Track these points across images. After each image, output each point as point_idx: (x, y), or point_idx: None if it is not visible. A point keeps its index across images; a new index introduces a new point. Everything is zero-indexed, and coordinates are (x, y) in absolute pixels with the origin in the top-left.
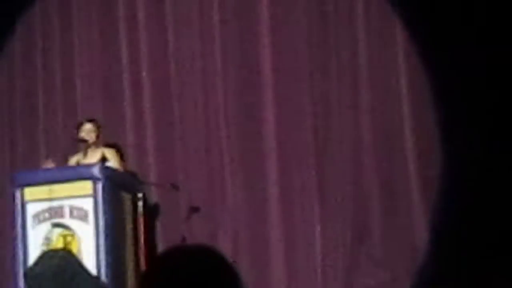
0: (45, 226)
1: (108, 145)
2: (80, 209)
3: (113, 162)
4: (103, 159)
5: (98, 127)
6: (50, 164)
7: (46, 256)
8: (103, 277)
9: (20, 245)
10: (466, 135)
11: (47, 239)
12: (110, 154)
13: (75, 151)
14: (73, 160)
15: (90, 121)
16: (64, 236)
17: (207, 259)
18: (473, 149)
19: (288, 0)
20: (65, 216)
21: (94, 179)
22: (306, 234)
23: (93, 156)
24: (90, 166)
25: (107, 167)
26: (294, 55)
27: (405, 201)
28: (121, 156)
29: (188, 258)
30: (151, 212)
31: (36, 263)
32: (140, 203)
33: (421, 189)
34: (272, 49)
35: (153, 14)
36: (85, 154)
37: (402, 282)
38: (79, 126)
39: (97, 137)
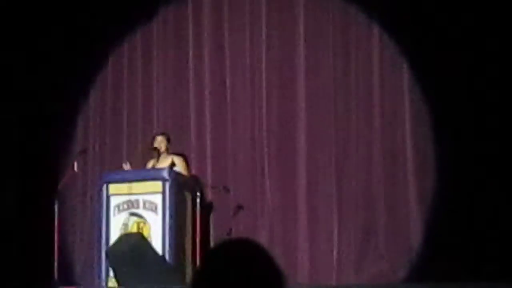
0: (124, 215)
1: (177, 154)
2: (151, 202)
3: (180, 167)
4: (172, 165)
5: (168, 139)
6: (127, 167)
7: (124, 238)
8: (167, 257)
9: (104, 229)
10: (458, 153)
11: (125, 225)
12: (178, 160)
13: (150, 158)
14: (149, 164)
15: (161, 134)
16: (138, 223)
17: (251, 251)
18: (464, 166)
19: (319, 42)
20: (140, 208)
21: (163, 180)
22: (327, 231)
23: (164, 162)
24: (160, 169)
25: (174, 171)
26: (323, 89)
27: (404, 208)
28: (187, 163)
29: (234, 252)
30: (207, 208)
31: (116, 243)
32: (198, 201)
33: (418, 197)
34: (306, 84)
35: (214, 54)
36: (158, 160)
37: (399, 272)
38: (153, 138)
39: (167, 146)
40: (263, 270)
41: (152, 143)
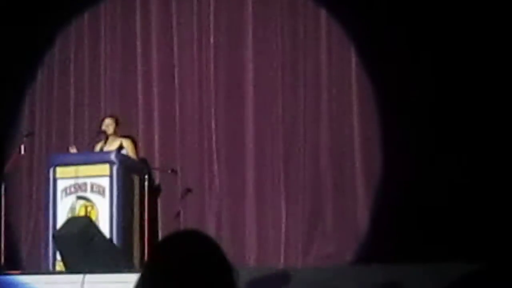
0: (71, 198)
1: (125, 136)
2: (99, 185)
3: (128, 150)
4: (120, 148)
5: (116, 122)
6: (74, 150)
7: (71, 221)
8: (115, 240)
9: (51, 213)
10: (404, 137)
11: (72, 209)
12: (126, 143)
13: (96, 140)
14: (97, 147)
15: (109, 116)
16: (86, 207)
17: (200, 244)
18: (407, 151)
19: (267, 27)
20: (87, 191)
21: (110, 163)
22: (274, 215)
23: (113, 145)
24: (108, 153)
25: (122, 154)
26: (271, 73)
27: (352, 192)
28: (135, 146)
29: (183, 245)
30: (155, 191)
31: (63, 227)
32: (146, 184)
33: (365, 182)
34: (254, 68)
35: (162, 36)
36: (106, 143)
37: (346, 254)
38: (101, 120)
39: (115, 129)
40: (212, 264)
41: (100, 126)
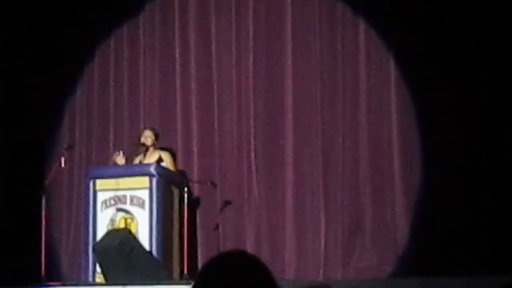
0: (111, 211)
1: (164, 149)
2: (139, 198)
3: (167, 163)
4: (159, 160)
5: (156, 134)
6: (120, 157)
7: (111, 233)
8: (154, 252)
9: (91, 225)
10: (444, 148)
11: (112, 221)
12: (165, 156)
13: (135, 152)
14: (136, 160)
15: (149, 129)
16: (125, 219)
17: (247, 265)
18: (450, 161)
19: (306, 37)
20: (127, 203)
21: (150, 176)
22: (313, 227)
23: (152, 157)
24: (148, 165)
25: (161, 167)
26: (310, 84)
27: (391, 204)
28: (174, 158)
29: (229, 266)
30: (194, 203)
31: (103, 239)
32: (185, 196)
33: (405, 193)
34: (293, 79)
35: (200, 49)
36: (145, 156)
37: (386, 267)
38: (140, 133)
39: (154, 142)
40: (260, 285)
41: (139, 139)
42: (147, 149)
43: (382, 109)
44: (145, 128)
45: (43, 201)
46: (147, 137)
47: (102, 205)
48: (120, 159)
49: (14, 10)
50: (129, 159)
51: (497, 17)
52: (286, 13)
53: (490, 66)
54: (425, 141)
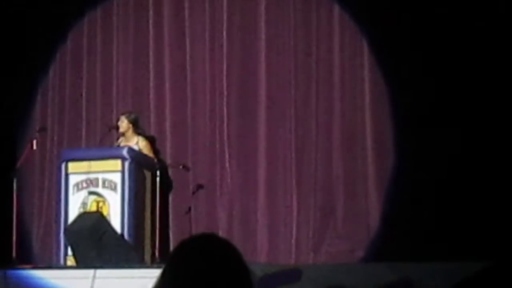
0: (83, 193)
1: (141, 135)
2: (110, 181)
3: (145, 149)
4: (135, 144)
5: (134, 119)
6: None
7: (83, 216)
8: (126, 235)
9: (62, 208)
10: (416, 133)
11: (84, 204)
12: (142, 142)
13: (109, 137)
14: (116, 144)
15: (126, 113)
16: (97, 202)
17: (218, 248)
18: (421, 145)
19: (280, 22)
20: (99, 186)
21: (123, 159)
22: (286, 211)
23: (130, 142)
24: (120, 148)
25: (133, 150)
26: (284, 70)
27: (363, 188)
28: (152, 145)
29: (202, 248)
30: (166, 187)
31: (75, 222)
32: (158, 180)
33: (377, 179)
34: (266, 64)
35: (174, 32)
36: (124, 140)
37: (357, 252)
38: (118, 118)
39: (134, 128)
40: (231, 267)
41: (116, 122)
42: (124, 133)
43: (355, 95)
44: (120, 112)
45: (15, 184)
46: (122, 122)
47: (74, 188)
48: (122, 123)
49: None
50: (102, 142)
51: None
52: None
53: (465, 50)
54: (398, 126)
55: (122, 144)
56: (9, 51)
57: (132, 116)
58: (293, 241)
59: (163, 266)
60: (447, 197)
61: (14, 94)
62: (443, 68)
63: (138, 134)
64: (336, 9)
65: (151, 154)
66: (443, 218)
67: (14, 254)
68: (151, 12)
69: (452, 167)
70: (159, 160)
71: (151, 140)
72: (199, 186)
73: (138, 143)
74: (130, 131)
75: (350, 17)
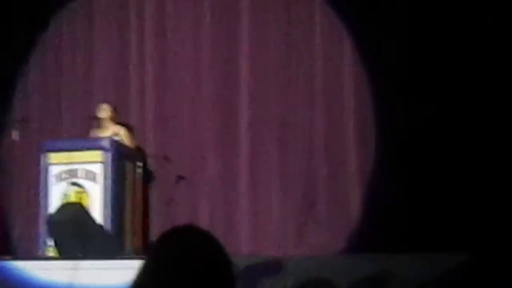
0: (64, 184)
1: (121, 124)
2: (91, 172)
3: (123, 137)
4: (114, 134)
5: (114, 109)
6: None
7: (64, 207)
8: (107, 227)
9: (43, 198)
10: (397, 122)
11: (65, 195)
12: (121, 131)
13: (90, 127)
14: (91, 133)
15: (105, 102)
16: (78, 193)
17: (199, 240)
18: (404, 135)
19: (262, 14)
20: (80, 177)
21: (103, 149)
22: (268, 203)
23: (107, 131)
24: (101, 139)
25: (115, 141)
26: (266, 59)
27: (344, 179)
28: (130, 134)
29: (180, 243)
30: (148, 178)
31: (56, 212)
32: (139, 170)
33: (358, 172)
34: (249, 53)
35: (156, 20)
36: (101, 129)
37: (339, 242)
38: (97, 107)
39: (112, 117)
40: (212, 259)
41: (96, 112)
42: (102, 123)
43: (337, 87)
44: (101, 101)
45: None
46: (102, 110)
47: (54, 179)
48: (102, 112)
49: None
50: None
51: None
52: None
53: (450, 41)
54: (379, 115)
55: (99, 134)
56: None
57: (112, 105)
58: (275, 233)
59: (144, 257)
60: (429, 189)
61: None
62: (425, 51)
63: (117, 123)
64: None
65: (131, 144)
66: (424, 209)
67: None
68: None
69: (434, 159)
70: (140, 150)
71: (130, 129)
72: (181, 177)
73: (119, 133)
74: (109, 119)
75: (332, 9)
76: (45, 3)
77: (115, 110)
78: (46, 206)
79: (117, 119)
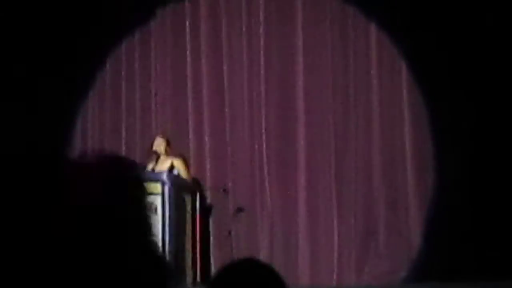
0: None
1: (176, 155)
2: (151, 204)
3: (180, 170)
4: (172, 167)
5: (167, 141)
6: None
7: None
8: (167, 259)
9: None
10: (456, 152)
11: None
12: (177, 162)
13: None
14: (149, 167)
15: (160, 136)
16: None
17: (259, 273)
18: (462, 165)
19: (317, 43)
20: None
21: (162, 182)
22: (327, 233)
23: (164, 164)
24: (160, 172)
25: (173, 174)
26: (322, 89)
27: (404, 208)
28: (186, 165)
29: (241, 276)
30: (206, 210)
31: None
32: (198, 203)
33: (418, 197)
34: (304, 85)
35: (212, 55)
36: (157, 162)
37: (400, 272)
38: (153, 139)
39: (166, 149)
40: None
41: (151, 145)
42: (158, 156)
43: (395, 116)
44: (156, 134)
45: None
46: (159, 144)
47: None
48: (158, 146)
49: (25, 14)
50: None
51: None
52: (296, 18)
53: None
54: (438, 145)
55: (156, 168)
56: (50, 76)
57: (166, 137)
58: (335, 263)
59: None
60: (489, 216)
61: (54, 119)
62: (483, 84)
63: (174, 155)
64: (373, 28)
65: (187, 175)
66: (485, 236)
67: None
68: (188, 34)
69: (494, 185)
70: (197, 182)
71: (185, 160)
72: (239, 209)
73: (174, 164)
74: (165, 152)
75: (388, 37)
76: (103, 41)
77: (168, 142)
78: None
79: (173, 151)
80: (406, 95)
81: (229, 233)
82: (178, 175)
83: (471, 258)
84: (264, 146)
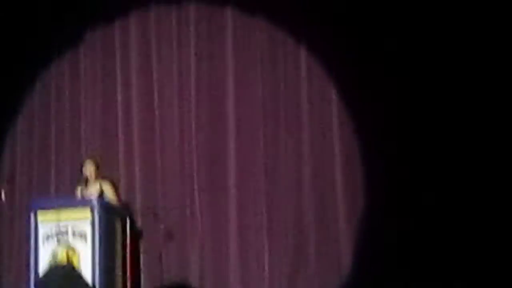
0: (53, 243)
1: (104, 178)
2: (80, 230)
3: (108, 193)
4: (101, 190)
5: (96, 164)
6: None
7: (53, 268)
8: (97, 285)
9: (33, 257)
10: (386, 173)
11: (54, 253)
12: (106, 186)
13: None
14: (78, 190)
15: (89, 159)
16: (67, 251)
17: None
18: (392, 186)
19: (248, 68)
20: (69, 235)
21: (92, 207)
22: (258, 255)
23: (93, 187)
24: (89, 197)
25: (103, 198)
26: (252, 109)
27: (334, 228)
28: (115, 189)
29: None
30: (136, 234)
31: (45, 274)
32: (128, 227)
33: (347, 221)
34: (235, 104)
35: (142, 78)
36: (86, 185)
37: None
38: (81, 163)
39: (95, 172)
40: None
41: (81, 168)
42: (87, 179)
43: (325, 136)
44: (85, 158)
45: None
46: (88, 168)
47: (44, 238)
48: (86, 169)
49: None
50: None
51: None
52: (227, 43)
53: (437, 94)
54: (368, 167)
55: (85, 191)
56: None
57: (95, 160)
58: (266, 282)
59: None
60: (417, 235)
61: None
62: (413, 105)
63: (102, 177)
64: (303, 52)
65: (115, 198)
66: (415, 259)
67: None
68: (118, 56)
69: (423, 207)
70: (127, 205)
71: (113, 183)
72: (169, 235)
73: (104, 188)
74: (93, 175)
75: (318, 60)
76: (32, 64)
77: (98, 165)
78: (35, 265)
79: (102, 172)
80: (335, 115)
81: (160, 256)
82: (108, 200)
83: (401, 278)
84: (195, 169)
